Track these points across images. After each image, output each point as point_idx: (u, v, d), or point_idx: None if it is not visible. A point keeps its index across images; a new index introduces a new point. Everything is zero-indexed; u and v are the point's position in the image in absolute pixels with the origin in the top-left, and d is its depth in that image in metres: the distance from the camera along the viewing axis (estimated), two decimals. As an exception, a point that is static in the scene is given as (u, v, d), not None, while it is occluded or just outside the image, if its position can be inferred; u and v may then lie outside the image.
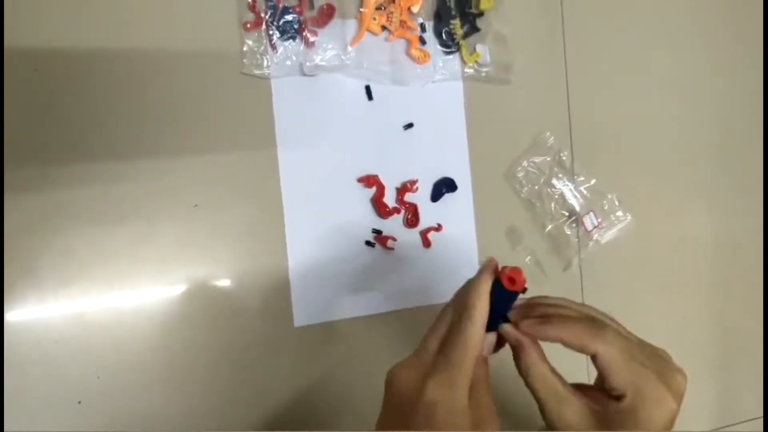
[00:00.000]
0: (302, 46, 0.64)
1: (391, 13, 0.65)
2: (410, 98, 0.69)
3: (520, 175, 0.72)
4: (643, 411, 0.37)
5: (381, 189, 0.67)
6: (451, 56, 0.69)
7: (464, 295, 0.42)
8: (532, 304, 0.44)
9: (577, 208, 0.74)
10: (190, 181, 0.63)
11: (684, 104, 0.80)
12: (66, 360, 0.60)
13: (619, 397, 0.38)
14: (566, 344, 0.40)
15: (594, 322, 0.41)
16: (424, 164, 0.69)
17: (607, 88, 0.77)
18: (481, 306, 0.41)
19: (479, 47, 0.70)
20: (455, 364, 0.39)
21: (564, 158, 0.74)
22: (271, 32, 0.63)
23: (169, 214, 0.62)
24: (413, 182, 0.69)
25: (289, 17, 0.63)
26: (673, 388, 0.38)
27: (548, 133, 0.73)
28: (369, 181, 0.67)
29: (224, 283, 0.64)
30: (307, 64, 0.64)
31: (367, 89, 0.67)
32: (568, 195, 0.74)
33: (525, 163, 0.73)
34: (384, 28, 0.66)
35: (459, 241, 0.71)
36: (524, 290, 0.42)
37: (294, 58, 0.64)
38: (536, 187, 0.73)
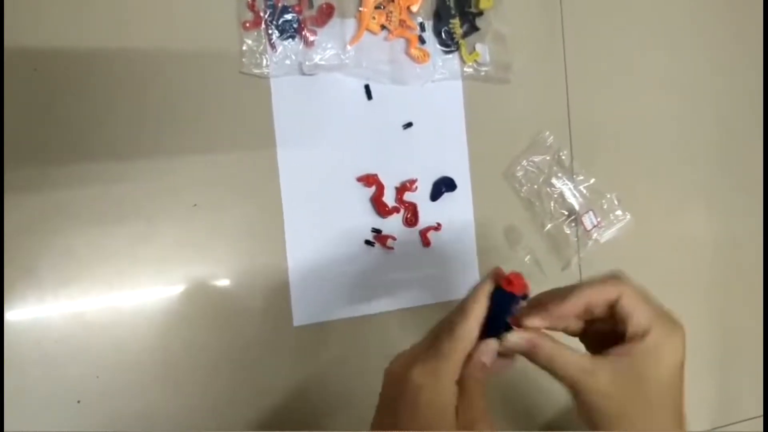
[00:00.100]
0: (301, 46, 0.64)
1: (391, 12, 0.65)
2: (409, 97, 0.69)
3: (520, 174, 0.73)
4: (667, 343, 0.39)
5: (380, 188, 0.67)
6: (450, 55, 0.69)
7: (464, 297, 0.42)
8: (534, 302, 0.44)
9: (577, 208, 0.74)
10: (189, 180, 0.63)
11: (683, 104, 0.80)
12: (66, 360, 0.60)
13: (642, 336, 0.38)
14: (592, 305, 0.40)
15: (598, 278, 0.42)
16: (423, 163, 0.69)
17: (606, 88, 0.77)
18: (475, 304, 0.41)
19: (479, 46, 0.70)
20: (442, 355, 0.40)
21: (563, 157, 0.74)
22: (270, 31, 0.63)
23: (168, 214, 0.62)
24: (413, 181, 0.69)
25: (288, 16, 0.63)
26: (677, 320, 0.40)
27: (547, 133, 0.73)
28: (368, 180, 0.67)
29: (224, 282, 0.64)
30: (307, 63, 0.64)
31: (367, 88, 0.67)
32: (568, 194, 0.74)
33: (524, 163, 0.73)
34: (383, 27, 0.66)
35: (458, 240, 0.71)
36: (525, 296, 0.42)
37: (293, 57, 0.64)
38: (535, 187, 0.73)
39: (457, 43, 0.69)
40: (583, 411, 0.40)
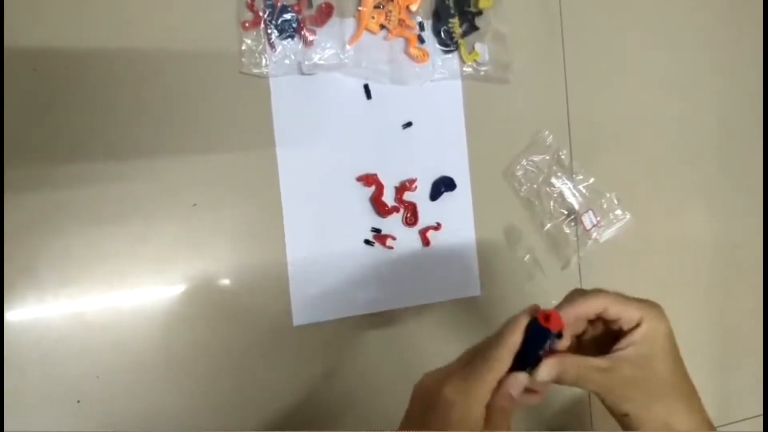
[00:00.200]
0: (301, 45, 0.64)
1: (390, 11, 0.65)
2: (409, 97, 0.69)
3: (519, 173, 0.72)
4: (657, 323, 0.44)
5: (380, 188, 0.67)
6: (449, 55, 0.69)
7: (502, 326, 0.44)
8: None
9: (576, 207, 0.74)
10: (189, 180, 0.63)
11: (683, 104, 0.80)
12: (65, 360, 0.60)
13: (638, 326, 0.43)
14: (604, 314, 0.44)
15: (578, 292, 0.46)
16: (423, 163, 0.69)
17: (606, 87, 0.77)
18: (511, 333, 0.43)
19: (478, 46, 0.70)
20: (476, 376, 0.42)
21: (563, 157, 0.74)
22: (269, 31, 0.63)
23: (168, 214, 0.63)
24: (412, 181, 0.69)
25: (287, 16, 0.63)
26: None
27: (547, 132, 0.73)
28: (368, 180, 0.67)
29: (223, 282, 0.64)
30: (306, 63, 0.64)
31: (366, 88, 0.67)
32: (567, 194, 0.74)
33: (524, 162, 0.73)
34: (382, 26, 0.66)
35: (458, 239, 0.71)
36: (560, 334, 0.43)
37: (292, 57, 0.64)
38: (535, 186, 0.73)
39: (457, 42, 0.69)
40: (615, 405, 0.44)
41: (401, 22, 0.66)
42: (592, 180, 0.74)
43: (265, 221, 0.65)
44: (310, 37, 0.64)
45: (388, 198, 0.68)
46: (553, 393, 0.75)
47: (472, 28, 0.70)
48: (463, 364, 0.44)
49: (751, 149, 0.84)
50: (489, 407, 0.42)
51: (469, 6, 0.69)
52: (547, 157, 0.73)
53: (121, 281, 0.61)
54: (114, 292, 0.61)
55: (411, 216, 0.68)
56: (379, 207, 0.67)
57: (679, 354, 0.45)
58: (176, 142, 0.63)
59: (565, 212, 0.74)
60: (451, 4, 0.68)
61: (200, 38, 0.63)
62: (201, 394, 0.64)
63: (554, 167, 0.73)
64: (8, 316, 0.59)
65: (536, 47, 0.74)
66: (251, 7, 0.63)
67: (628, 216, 0.75)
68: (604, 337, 0.46)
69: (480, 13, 0.70)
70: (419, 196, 0.69)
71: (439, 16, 0.68)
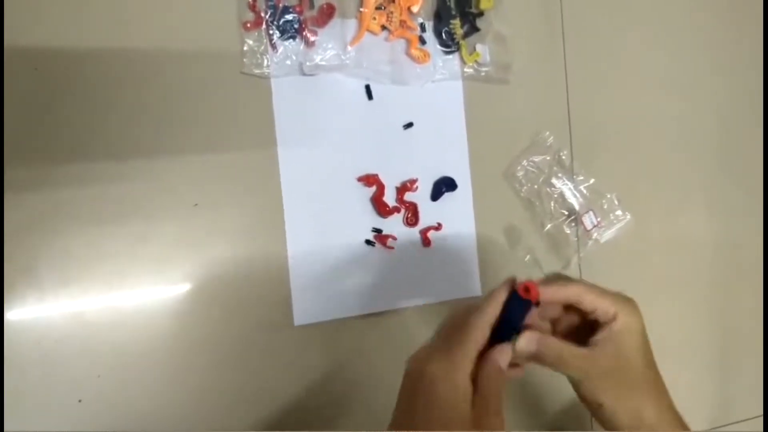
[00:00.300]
0: (302, 46, 0.64)
1: (391, 12, 0.65)
2: (410, 98, 0.69)
3: (520, 174, 0.73)
4: (632, 318, 0.46)
5: (381, 188, 0.67)
6: (450, 56, 0.69)
7: (482, 299, 0.45)
8: None
9: (577, 208, 0.74)
10: (190, 180, 0.63)
11: (683, 104, 0.80)
12: (66, 359, 0.60)
13: (613, 319, 0.46)
14: (579, 304, 0.46)
15: (558, 276, 0.49)
16: (423, 163, 0.69)
17: (606, 88, 0.77)
18: (491, 304, 0.44)
19: (479, 47, 0.70)
20: (457, 348, 0.42)
21: (563, 157, 0.74)
22: (271, 32, 0.63)
23: (169, 214, 0.62)
24: (413, 181, 0.69)
25: (289, 17, 0.63)
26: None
27: (547, 133, 0.73)
28: (369, 180, 0.67)
29: (224, 282, 0.64)
30: (307, 63, 0.64)
31: (367, 89, 0.67)
32: (568, 194, 0.74)
33: (524, 163, 0.73)
34: (384, 27, 0.66)
35: (459, 240, 0.71)
36: (537, 303, 0.45)
37: (294, 57, 0.64)
38: (536, 187, 0.73)
39: (458, 43, 0.69)
40: (590, 394, 0.46)
41: (402, 23, 0.66)
42: (592, 180, 0.74)
43: (267, 221, 0.65)
44: (312, 38, 0.64)
45: (389, 198, 0.68)
46: (553, 393, 0.75)
47: (473, 29, 0.70)
48: (442, 340, 0.44)
49: (751, 149, 0.84)
50: (477, 381, 0.42)
51: (470, 7, 0.69)
52: (548, 158, 0.73)
53: (121, 281, 0.61)
54: (114, 292, 0.61)
55: (412, 216, 0.69)
56: (379, 207, 0.67)
57: (650, 349, 0.47)
58: (177, 142, 0.63)
59: (566, 213, 0.74)
60: (453, 5, 0.68)
61: (201, 38, 0.63)
62: (202, 394, 0.64)
63: (555, 168, 0.73)
64: (8, 316, 0.58)
65: (537, 48, 0.74)
66: (253, 7, 0.63)
67: (629, 216, 0.75)
68: (579, 329, 0.48)
69: (481, 14, 0.70)
70: (420, 196, 0.69)
71: (440, 17, 0.68)
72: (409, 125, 0.69)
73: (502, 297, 0.45)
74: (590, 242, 0.74)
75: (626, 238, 0.76)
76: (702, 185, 0.81)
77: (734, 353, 0.84)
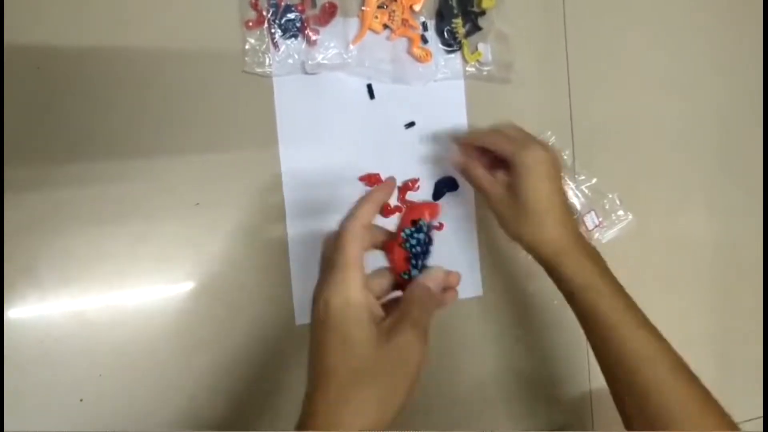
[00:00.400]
0: (304, 45, 0.64)
1: (393, 11, 0.65)
2: (412, 97, 0.69)
3: (522, 174, 0.72)
4: (526, 161, 0.54)
5: (382, 188, 0.67)
6: (452, 55, 0.69)
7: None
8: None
9: (578, 208, 0.74)
10: (191, 180, 0.63)
11: (684, 104, 0.80)
12: (67, 358, 0.60)
13: (512, 159, 0.55)
14: (493, 148, 0.58)
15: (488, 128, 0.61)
16: (425, 163, 0.69)
17: (608, 88, 0.77)
18: (358, 206, 0.44)
19: (481, 46, 0.70)
20: (336, 263, 0.42)
21: (565, 157, 0.74)
22: (273, 30, 0.63)
23: (170, 213, 0.62)
24: (414, 181, 0.68)
25: (291, 15, 0.63)
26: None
27: (549, 132, 0.73)
28: (370, 179, 0.67)
29: (225, 281, 0.64)
30: (309, 62, 0.64)
31: (369, 88, 0.67)
32: (570, 194, 0.74)
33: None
34: (386, 26, 0.66)
35: (460, 239, 0.71)
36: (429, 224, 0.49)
37: (296, 56, 0.64)
38: (537, 187, 0.73)
39: (460, 42, 0.69)
40: (511, 231, 0.57)
41: (404, 21, 0.66)
42: (594, 180, 0.74)
43: (268, 221, 0.65)
44: (314, 37, 0.64)
45: (391, 198, 0.68)
46: (553, 392, 0.75)
47: (475, 28, 0.70)
48: (326, 263, 0.43)
49: (751, 149, 0.84)
50: (397, 305, 0.43)
51: (472, 6, 0.69)
52: (550, 158, 0.73)
53: (121, 281, 0.61)
54: (115, 291, 0.61)
55: (413, 216, 0.68)
56: (381, 207, 0.67)
57: (555, 185, 0.55)
58: (178, 141, 0.62)
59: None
60: (455, 4, 0.68)
61: (202, 37, 0.63)
62: (202, 393, 0.63)
63: (556, 167, 0.73)
64: (9, 315, 0.58)
65: (539, 47, 0.74)
66: (255, 6, 0.63)
67: (630, 216, 0.75)
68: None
69: (483, 13, 0.70)
70: (421, 195, 0.69)
71: (442, 16, 0.68)
72: (411, 124, 0.69)
73: (372, 196, 0.45)
74: (592, 242, 0.74)
75: (628, 238, 0.76)
76: (702, 185, 0.81)
77: (734, 353, 0.84)
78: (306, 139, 0.66)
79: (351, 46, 0.65)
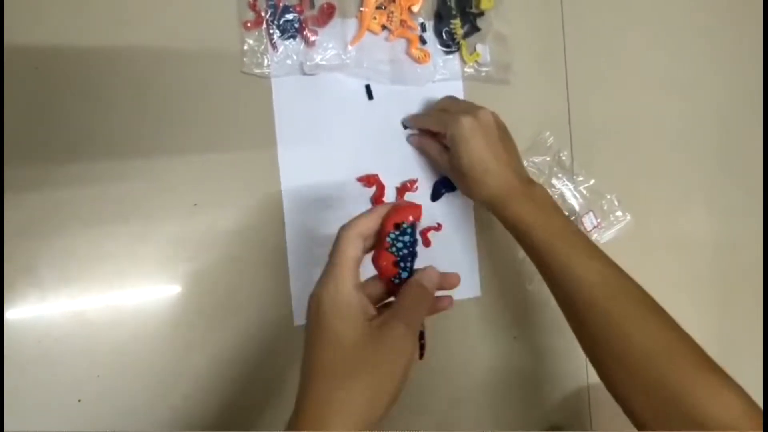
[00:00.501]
0: (303, 46, 0.64)
1: (392, 12, 0.65)
2: (410, 98, 0.69)
3: (520, 174, 0.72)
4: (455, 133, 0.58)
5: (381, 188, 0.67)
6: (451, 56, 0.69)
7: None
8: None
9: (577, 208, 0.74)
10: (190, 180, 0.63)
11: (684, 104, 0.80)
12: (66, 358, 0.60)
13: (446, 133, 0.59)
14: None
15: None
16: (423, 164, 0.69)
17: (607, 88, 0.77)
18: (358, 218, 0.46)
19: (479, 47, 0.70)
20: (331, 263, 0.43)
21: (563, 158, 0.74)
22: (271, 31, 0.63)
23: (168, 213, 0.62)
24: (413, 182, 0.69)
25: (289, 16, 0.63)
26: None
27: (548, 133, 0.73)
28: (369, 180, 0.67)
29: (224, 282, 0.64)
30: (308, 63, 0.64)
31: (368, 88, 0.67)
32: (568, 195, 0.74)
33: (525, 163, 0.72)
34: (384, 27, 0.66)
35: (459, 240, 0.71)
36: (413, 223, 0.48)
37: (294, 57, 0.64)
38: (536, 187, 0.73)
39: (458, 43, 0.69)
40: (469, 195, 0.61)
41: (403, 22, 0.66)
42: (592, 181, 0.74)
43: (266, 221, 0.65)
44: (312, 38, 0.64)
45: (389, 198, 0.68)
46: (551, 392, 0.75)
47: (474, 29, 0.70)
48: (325, 266, 0.45)
49: (751, 149, 0.84)
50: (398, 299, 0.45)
51: (471, 7, 0.69)
52: (548, 159, 0.73)
53: (121, 280, 0.61)
54: (114, 291, 0.61)
55: (412, 216, 0.68)
56: (380, 207, 0.67)
57: (485, 145, 0.58)
58: (177, 141, 0.63)
59: (566, 213, 0.74)
60: (453, 5, 0.68)
61: (201, 38, 0.63)
62: (201, 394, 0.64)
63: (555, 168, 0.73)
64: (8, 315, 0.59)
65: (537, 48, 0.74)
66: (253, 7, 0.63)
67: (629, 217, 0.75)
68: None
69: (481, 14, 0.70)
70: (420, 196, 0.69)
71: (440, 17, 0.68)
72: (410, 125, 0.69)
73: (376, 211, 0.46)
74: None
75: (627, 238, 0.76)
76: (702, 185, 0.81)
77: (734, 353, 0.84)
78: (304, 140, 0.66)
79: (349, 47, 0.65)
